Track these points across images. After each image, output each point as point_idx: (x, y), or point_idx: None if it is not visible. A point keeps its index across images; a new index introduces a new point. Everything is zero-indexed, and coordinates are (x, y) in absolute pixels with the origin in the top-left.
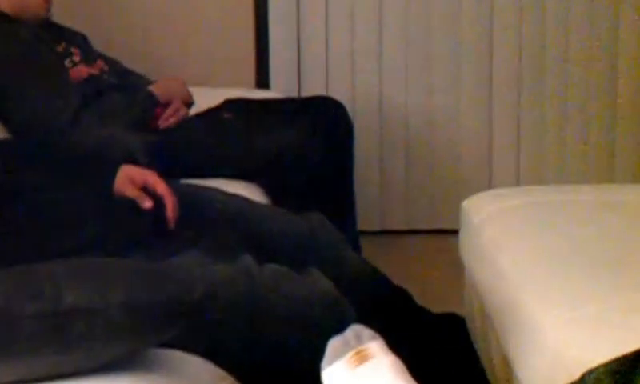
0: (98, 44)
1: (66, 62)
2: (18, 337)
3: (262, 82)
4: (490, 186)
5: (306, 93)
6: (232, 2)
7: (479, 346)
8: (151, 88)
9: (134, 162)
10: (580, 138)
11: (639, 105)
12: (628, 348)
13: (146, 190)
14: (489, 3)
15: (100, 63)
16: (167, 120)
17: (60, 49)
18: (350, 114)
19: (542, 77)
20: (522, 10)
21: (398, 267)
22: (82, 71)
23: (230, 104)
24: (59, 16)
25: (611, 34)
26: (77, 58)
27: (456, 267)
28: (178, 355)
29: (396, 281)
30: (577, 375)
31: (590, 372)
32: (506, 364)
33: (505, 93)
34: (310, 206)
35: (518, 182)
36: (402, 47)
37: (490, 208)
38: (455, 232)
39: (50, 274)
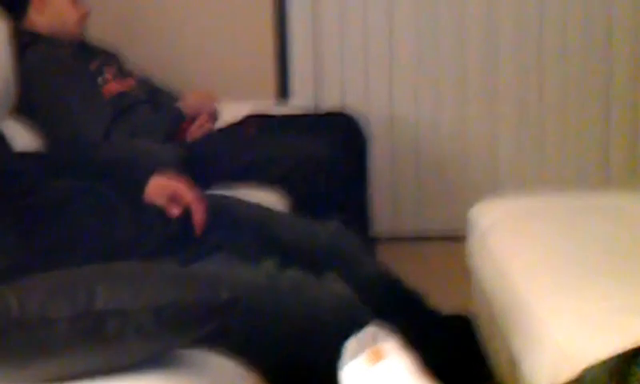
0: (127, 61)
1: (99, 80)
2: (53, 338)
3: (282, 93)
4: (495, 191)
5: (323, 104)
6: (253, 19)
7: (487, 344)
8: (179, 103)
9: (164, 171)
10: (577, 145)
11: (632, 115)
12: (626, 346)
13: (175, 198)
14: (493, 23)
15: (131, 80)
16: (194, 133)
17: (93, 67)
18: (364, 125)
19: (542, 89)
20: (522, 29)
21: (410, 270)
22: (113, 88)
23: (253, 118)
24: (92, 35)
25: (606, 48)
26: (109, 76)
27: (464, 270)
28: (203, 354)
29: (408, 283)
30: (578, 372)
31: (590, 369)
32: (512, 362)
33: (507, 105)
34: (328, 213)
35: (521, 187)
36: (412, 63)
37: (496, 214)
38: (464, 237)
39: (84, 279)
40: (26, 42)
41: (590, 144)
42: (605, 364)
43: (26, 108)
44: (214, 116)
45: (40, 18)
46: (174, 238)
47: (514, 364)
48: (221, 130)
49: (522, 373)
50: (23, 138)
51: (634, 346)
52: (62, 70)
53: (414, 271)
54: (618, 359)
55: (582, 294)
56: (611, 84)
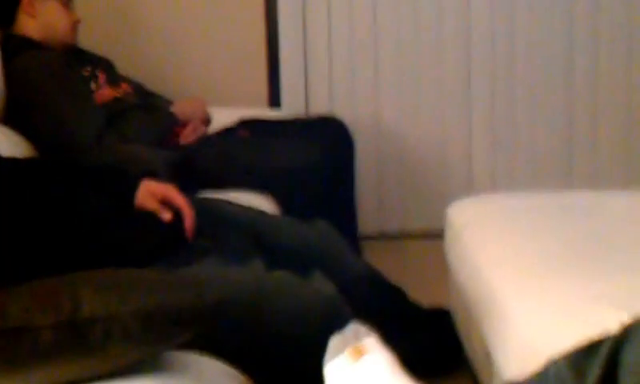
0: (120, 67)
1: (92, 85)
2: (38, 347)
3: (274, 100)
4: (470, 191)
5: (312, 109)
6: (245, 27)
7: (463, 337)
8: (171, 108)
9: (155, 176)
10: (544, 148)
11: (593, 122)
12: (589, 337)
13: (166, 203)
14: (469, 37)
15: (124, 86)
16: (186, 138)
17: (86, 73)
18: (351, 129)
19: (512, 96)
20: (494, 43)
21: (393, 267)
22: (106, 93)
23: (244, 123)
24: (85, 42)
25: (567, 56)
26: (102, 81)
27: (445, 266)
28: (193, 357)
29: (391, 279)
30: (545, 361)
31: (553, 362)
32: (486, 353)
33: (481, 111)
34: (316, 214)
35: (494, 185)
36: (395, 72)
37: (470, 213)
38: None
39: (68, 286)
40: (16, 48)
41: (555, 148)
42: (566, 358)
43: (15, 114)
44: (206, 121)
45: (31, 24)
46: (165, 242)
47: (487, 355)
48: (214, 134)
49: (494, 364)
50: (11, 145)
51: (595, 338)
52: (53, 75)
53: (396, 268)
54: (579, 352)
55: (550, 287)
56: (573, 90)
